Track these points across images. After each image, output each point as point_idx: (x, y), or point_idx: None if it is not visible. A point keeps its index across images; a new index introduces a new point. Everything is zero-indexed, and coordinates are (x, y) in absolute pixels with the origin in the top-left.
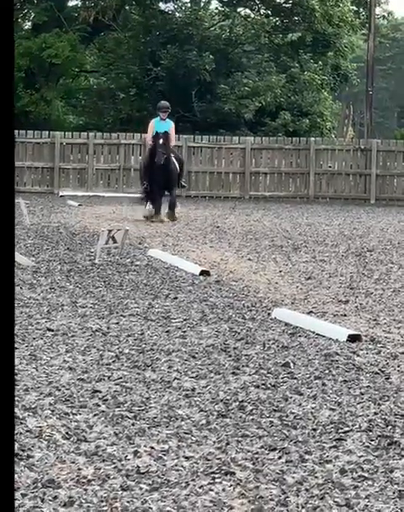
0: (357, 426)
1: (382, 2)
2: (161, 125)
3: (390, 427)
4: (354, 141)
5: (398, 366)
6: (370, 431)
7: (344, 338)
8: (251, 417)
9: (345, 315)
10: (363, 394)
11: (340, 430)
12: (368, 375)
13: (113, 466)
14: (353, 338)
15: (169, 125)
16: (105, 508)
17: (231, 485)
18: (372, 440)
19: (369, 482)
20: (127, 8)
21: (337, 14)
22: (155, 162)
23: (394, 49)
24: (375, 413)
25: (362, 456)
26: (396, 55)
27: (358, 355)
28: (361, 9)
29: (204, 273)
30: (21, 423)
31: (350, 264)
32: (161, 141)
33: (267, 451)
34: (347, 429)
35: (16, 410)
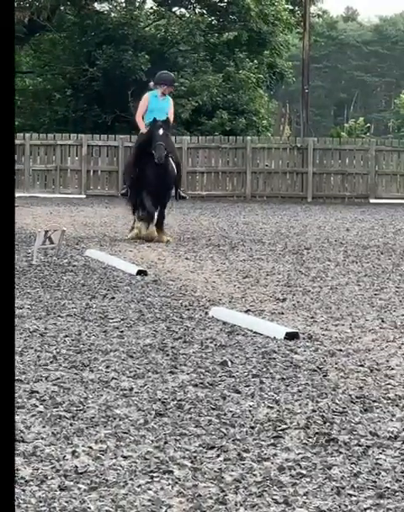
0: (295, 423)
1: (317, 0)
2: (158, 102)
3: (327, 424)
4: (291, 140)
5: (336, 363)
6: (308, 428)
7: (282, 335)
8: (189, 415)
9: (282, 313)
10: (300, 391)
11: (278, 428)
12: (305, 372)
13: (51, 466)
14: (291, 336)
15: (168, 104)
16: (44, 508)
17: (169, 484)
18: (310, 437)
19: (308, 479)
20: (62, 8)
21: (272, 13)
22: (147, 159)
23: (329, 47)
24: (313, 411)
25: (300, 453)
26: (332, 53)
27: (295, 353)
28: (296, 8)
29: (141, 272)
30: None
31: (287, 262)
32: (161, 130)
33: (205, 450)
34: (285, 426)
35: None
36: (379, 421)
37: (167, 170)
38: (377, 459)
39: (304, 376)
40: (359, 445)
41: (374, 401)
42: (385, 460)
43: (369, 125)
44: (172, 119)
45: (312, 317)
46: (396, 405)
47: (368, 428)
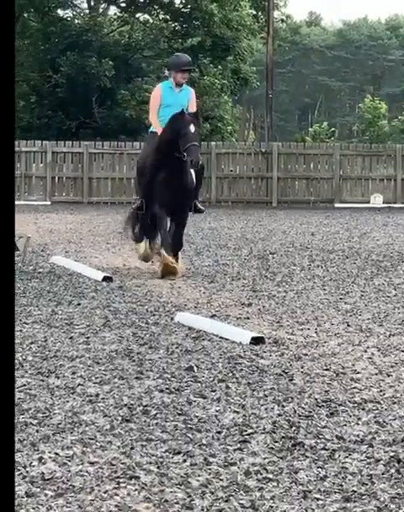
0: (261, 428)
1: (281, 5)
2: (174, 95)
3: (294, 428)
4: (255, 145)
5: (301, 368)
6: (274, 433)
7: (247, 340)
8: (155, 421)
9: (248, 318)
10: (266, 396)
11: (244, 432)
12: (271, 377)
13: (17, 473)
14: (257, 341)
15: (188, 96)
16: None
17: (136, 489)
18: (276, 442)
19: (274, 484)
20: (26, 15)
21: (235, 19)
22: (170, 166)
23: (293, 52)
24: (279, 415)
25: (266, 457)
26: (296, 58)
27: (261, 358)
28: (260, 13)
29: (106, 279)
30: None
31: (253, 267)
32: (192, 127)
33: (171, 455)
34: (251, 431)
35: None
36: (345, 425)
37: (189, 181)
38: (343, 463)
39: (270, 380)
40: (325, 449)
41: (339, 405)
42: (352, 463)
43: (333, 129)
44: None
45: (278, 322)
46: (362, 409)
47: (334, 432)
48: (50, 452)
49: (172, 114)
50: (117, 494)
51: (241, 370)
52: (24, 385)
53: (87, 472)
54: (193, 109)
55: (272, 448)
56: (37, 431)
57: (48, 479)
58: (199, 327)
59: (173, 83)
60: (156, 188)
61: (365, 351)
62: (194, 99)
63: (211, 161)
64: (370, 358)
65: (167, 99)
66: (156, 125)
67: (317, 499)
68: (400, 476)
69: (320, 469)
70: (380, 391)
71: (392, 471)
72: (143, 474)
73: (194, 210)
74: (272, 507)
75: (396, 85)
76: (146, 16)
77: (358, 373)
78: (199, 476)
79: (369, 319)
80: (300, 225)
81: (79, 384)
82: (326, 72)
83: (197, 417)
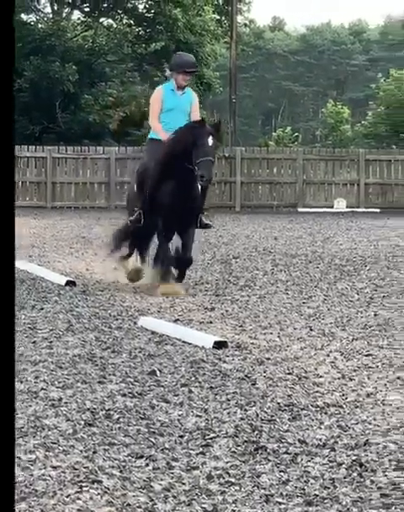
0: (223, 432)
1: (244, 10)
2: (176, 98)
3: (256, 432)
4: (219, 149)
5: (264, 372)
6: (237, 437)
7: (210, 345)
8: (118, 425)
9: (211, 322)
10: (229, 400)
11: (207, 436)
12: (234, 381)
13: None
14: (220, 345)
15: (191, 100)
16: None
17: (98, 493)
18: (238, 446)
19: (236, 488)
20: None
21: (199, 23)
22: (175, 177)
23: (257, 57)
24: (242, 419)
25: (229, 461)
26: (259, 62)
27: (224, 362)
28: (223, 18)
29: (70, 283)
30: None
31: (216, 272)
32: (210, 140)
33: (134, 459)
34: (213, 435)
35: None
36: (307, 429)
37: (198, 194)
38: (305, 466)
39: (232, 384)
40: (288, 453)
41: (302, 409)
42: (314, 467)
43: (296, 134)
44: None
45: (241, 326)
46: (324, 413)
47: (296, 436)
48: None
49: (188, 122)
50: (79, 498)
51: (204, 374)
52: None
53: (49, 476)
54: (196, 114)
55: (234, 452)
56: None
57: None
58: (162, 331)
59: (175, 85)
60: (160, 200)
61: (328, 355)
62: (196, 104)
63: None
64: (333, 362)
65: (168, 103)
66: (159, 131)
67: (279, 503)
68: (362, 479)
69: (282, 473)
70: (343, 395)
71: (354, 474)
72: (105, 478)
73: (200, 225)
74: (234, 511)
75: (358, 90)
76: (110, 21)
77: (321, 377)
78: (161, 480)
79: (331, 323)
80: (264, 229)
81: (42, 388)
82: (290, 77)
83: (160, 421)
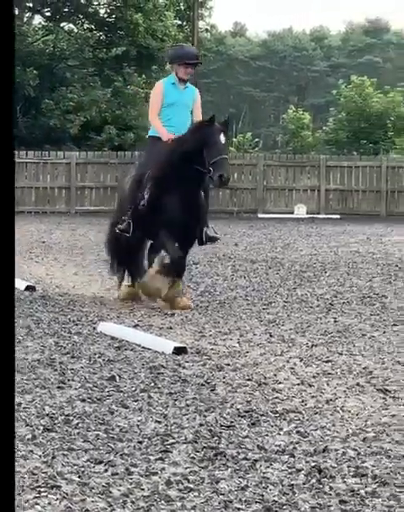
0: (183, 438)
1: (205, 15)
2: (178, 93)
3: (215, 438)
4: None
5: (223, 378)
6: (196, 442)
7: (170, 350)
8: (77, 430)
9: (171, 328)
10: (188, 406)
11: (166, 442)
12: (194, 387)
13: None
14: (179, 351)
15: (193, 95)
16: None
17: (57, 499)
18: (198, 452)
19: (195, 493)
20: None
21: (160, 29)
22: (181, 181)
23: (218, 62)
24: (201, 425)
25: (188, 467)
26: (220, 68)
27: (183, 368)
28: (185, 23)
29: (29, 288)
30: None
31: None
32: (222, 137)
33: (93, 464)
34: (173, 440)
35: None
36: (266, 435)
37: (204, 202)
38: (264, 473)
39: (192, 390)
40: (247, 459)
41: (261, 415)
42: (273, 473)
43: (257, 139)
44: (200, 118)
45: (200, 332)
46: (284, 419)
47: (255, 442)
48: None
49: (196, 121)
50: (38, 504)
51: (164, 379)
52: None
53: None
54: (198, 111)
55: (193, 458)
56: None
57: None
58: (122, 336)
59: (176, 79)
60: (161, 208)
61: (287, 361)
62: (199, 100)
63: None
64: (292, 368)
65: (169, 97)
66: (159, 128)
67: (238, 509)
68: (321, 486)
69: (241, 479)
70: (302, 401)
71: (313, 481)
72: (64, 483)
73: (206, 239)
74: None
75: (320, 96)
76: (71, 25)
77: (280, 383)
78: (120, 485)
79: (291, 329)
80: (224, 235)
81: None
82: (251, 83)
83: (119, 426)
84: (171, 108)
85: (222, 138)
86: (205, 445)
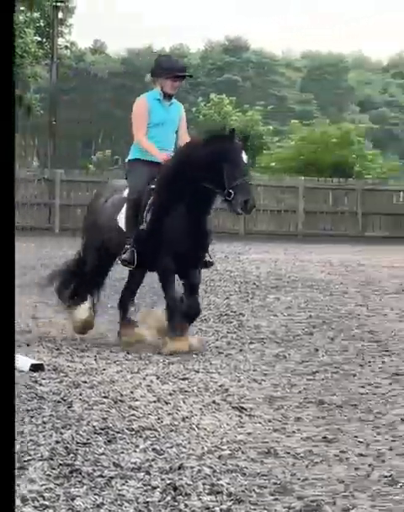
0: (39, 455)
1: (65, 32)
2: (164, 110)
3: (72, 455)
4: (38, 172)
5: (80, 395)
6: (52, 459)
7: (27, 367)
8: None
9: (28, 345)
10: (45, 423)
11: (22, 459)
12: (50, 404)
13: None
14: (36, 368)
15: (179, 112)
16: None
17: None
18: (54, 469)
19: (51, 511)
20: None
21: (20, 45)
22: (187, 203)
23: (78, 79)
24: (57, 442)
25: (43, 484)
26: (80, 85)
27: (40, 384)
28: (44, 40)
29: None
30: None
31: (33, 294)
32: (244, 155)
33: None
34: (29, 457)
35: None
36: (122, 452)
37: (209, 231)
38: (120, 490)
39: (48, 407)
40: (103, 476)
41: (117, 432)
42: (128, 491)
43: (117, 157)
44: (186, 138)
45: (57, 349)
46: (140, 436)
47: (111, 459)
48: None
49: (213, 134)
50: None
51: (21, 396)
52: None
53: None
54: (184, 129)
55: (49, 475)
56: None
57: None
58: None
59: (161, 94)
60: (161, 235)
61: (144, 379)
62: (184, 117)
63: None
64: (149, 385)
65: (155, 116)
66: (152, 150)
67: None
68: (176, 503)
69: (96, 496)
70: (158, 418)
71: (168, 498)
72: None
73: (206, 264)
74: None
75: None
76: None
77: (137, 400)
78: None
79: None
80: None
81: None
82: (111, 100)
83: None
84: (158, 128)
85: (244, 156)
86: (61, 462)
